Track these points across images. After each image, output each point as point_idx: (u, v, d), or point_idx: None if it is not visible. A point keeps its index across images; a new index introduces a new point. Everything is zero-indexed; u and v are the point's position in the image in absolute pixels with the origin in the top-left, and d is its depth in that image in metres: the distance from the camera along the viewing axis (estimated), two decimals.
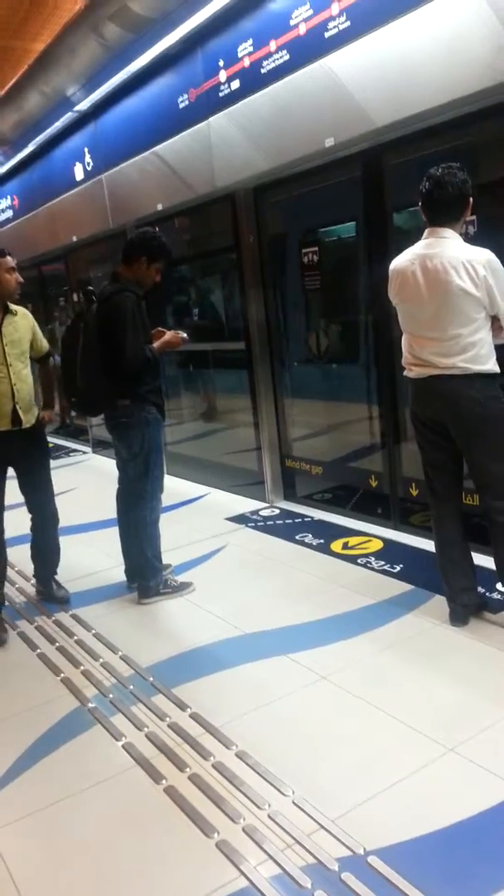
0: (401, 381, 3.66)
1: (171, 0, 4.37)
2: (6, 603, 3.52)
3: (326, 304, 4.69)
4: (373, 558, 3.79)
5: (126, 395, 3.41)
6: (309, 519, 4.59)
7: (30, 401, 3.43)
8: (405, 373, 2.94)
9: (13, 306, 3.40)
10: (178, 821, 2.03)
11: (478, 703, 2.43)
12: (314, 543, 4.11)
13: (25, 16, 10.16)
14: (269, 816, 2.00)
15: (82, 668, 2.96)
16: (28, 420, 3.39)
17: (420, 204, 2.80)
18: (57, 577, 3.75)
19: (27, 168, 7.95)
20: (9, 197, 8.63)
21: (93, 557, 4.16)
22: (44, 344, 3.63)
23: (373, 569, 3.66)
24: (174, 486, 5.27)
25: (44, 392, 3.75)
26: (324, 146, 3.93)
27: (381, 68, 3.53)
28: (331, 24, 3.72)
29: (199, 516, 4.91)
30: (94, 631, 3.29)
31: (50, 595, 3.69)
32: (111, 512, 3.76)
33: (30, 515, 3.63)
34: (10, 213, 8.64)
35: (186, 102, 4.99)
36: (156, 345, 3.46)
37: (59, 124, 6.63)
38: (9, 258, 3.32)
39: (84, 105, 6.11)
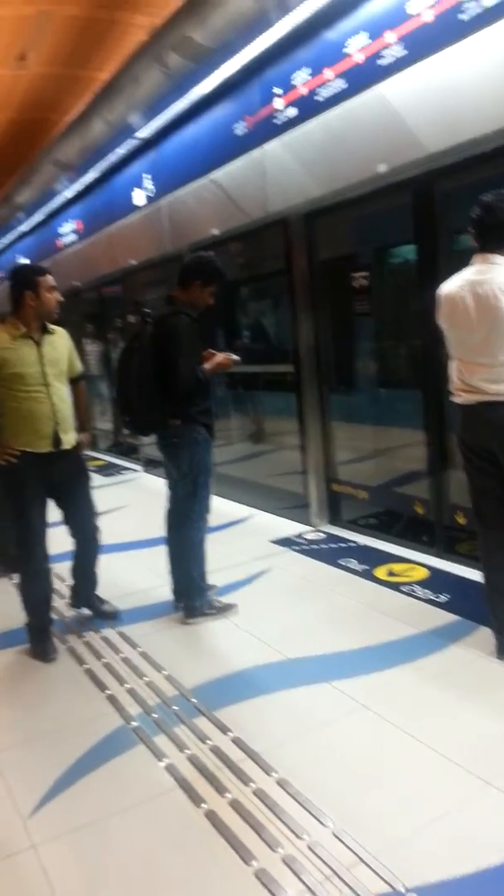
0: (448, 407, 3.63)
1: (231, 30, 4.47)
2: (56, 617, 3.59)
3: (375, 329, 4.68)
4: (417, 586, 3.74)
5: (177, 416, 3.47)
6: (353, 544, 4.56)
7: (70, 421, 3.41)
8: (453, 398, 2.92)
9: (51, 326, 3.39)
10: (217, 846, 2.03)
11: None
12: (358, 569, 4.08)
13: (92, 46, 10.54)
14: (308, 847, 1.99)
15: (127, 685, 2.99)
16: (68, 441, 3.37)
17: (471, 230, 2.79)
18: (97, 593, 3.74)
19: (90, 193, 8.19)
20: (73, 221, 8.89)
21: (140, 575, 4.21)
22: (78, 365, 3.63)
23: (417, 597, 3.61)
24: (220, 507, 5.30)
25: (78, 413, 3.67)
26: (376, 172, 3.96)
27: (434, 95, 3.55)
28: (386, 52, 3.76)
29: (244, 538, 4.93)
30: (139, 649, 3.33)
31: (97, 611, 3.70)
32: (159, 530, 3.81)
33: (72, 539, 3.59)
34: (74, 237, 8.90)
35: (243, 130, 5.09)
36: (207, 366, 3.51)
37: (120, 151, 6.82)
38: (49, 277, 3.32)
39: (145, 132, 6.28)
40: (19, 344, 3.23)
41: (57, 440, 3.30)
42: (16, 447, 3.25)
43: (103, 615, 3.68)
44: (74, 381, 3.60)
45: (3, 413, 3.30)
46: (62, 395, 3.36)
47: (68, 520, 3.53)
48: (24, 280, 3.28)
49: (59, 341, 3.42)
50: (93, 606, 3.73)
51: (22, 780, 2.43)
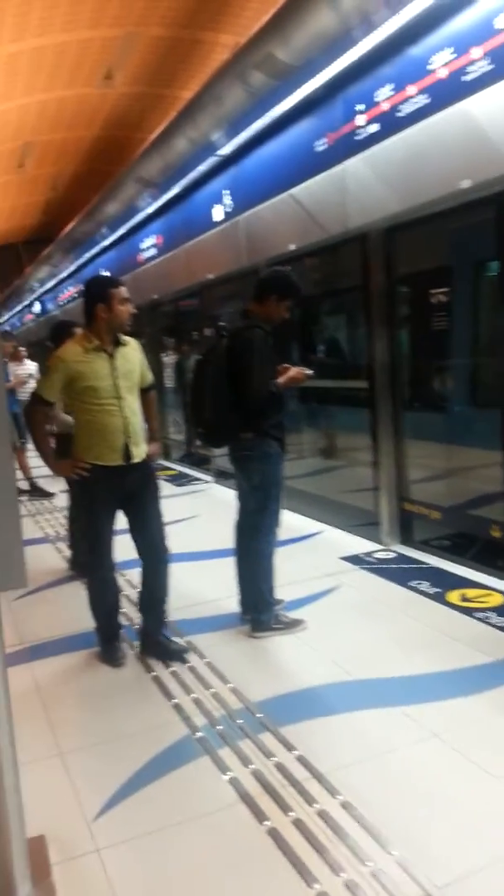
0: None
1: (314, 49, 4.51)
2: (125, 622, 3.64)
3: (453, 347, 4.60)
4: (493, 614, 3.62)
5: (250, 429, 3.49)
6: (425, 565, 4.46)
7: (141, 434, 3.36)
8: None
9: (123, 337, 3.34)
10: (279, 865, 2.01)
11: None
12: (430, 592, 3.99)
13: (176, 65, 10.84)
14: (371, 874, 1.95)
15: (193, 695, 3.01)
16: (139, 454, 3.31)
17: None
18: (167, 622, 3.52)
19: (171, 209, 8.38)
20: (154, 236, 9.11)
21: (208, 585, 4.24)
22: (149, 375, 3.56)
23: (492, 625, 3.50)
24: (290, 521, 5.29)
25: (148, 423, 3.62)
26: (459, 188, 3.90)
27: None
28: (471, 68, 3.71)
29: (314, 553, 4.90)
30: (206, 659, 3.34)
31: (165, 651, 3.39)
32: (228, 542, 3.83)
33: (140, 559, 3.43)
34: (154, 251, 9.12)
35: (324, 146, 5.11)
36: (281, 380, 3.52)
37: (202, 168, 6.96)
38: (122, 289, 3.27)
39: (226, 149, 6.39)
40: (92, 357, 3.22)
41: (128, 453, 3.26)
42: (87, 460, 3.25)
43: (173, 656, 3.37)
44: (145, 391, 3.54)
45: (76, 426, 3.34)
46: (134, 409, 3.33)
47: (135, 534, 3.41)
48: (96, 292, 3.27)
49: (132, 353, 3.38)
50: (161, 649, 3.41)
51: (88, 784, 2.47)
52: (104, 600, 3.45)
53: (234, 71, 5.26)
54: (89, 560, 3.53)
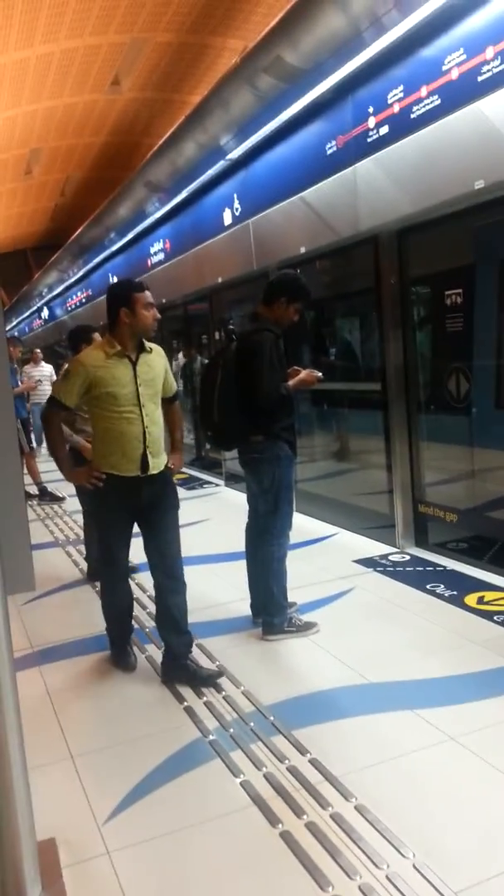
0: None
1: (323, 51, 4.50)
2: (136, 626, 3.62)
3: (468, 348, 4.57)
4: None
5: (260, 432, 3.47)
6: (441, 568, 4.42)
7: (160, 445, 3.20)
8: None
9: (148, 344, 3.22)
10: (292, 868, 1.98)
11: None
12: (446, 594, 3.95)
13: (184, 71, 10.87)
14: (387, 877, 1.91)
15: (205, 699, 2.99)
16: (156, 465, 3.15)
17: None
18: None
19: (179, 213, 8.39)
20: (162, 240, 9.13)
21: (220, 589, 4.22)
22: (173, 384, 3.42)
23: None
24: (303, 524, 5.27)
25: (171, 433, 3.49)
26: (472, 189, 3.87)
27: None
28: (484, 68, 3.69)
29: (327, 556, 4.87)
30: (217, 663, 3.32)
31: (194, 677, 3.12)
32: (240, 545, 3.81)
33: (153, 578, 3.27)
34: (162, 256, 9.14)
35: (334, 148, 5.10)
36: (291, 383, 3.51)
37: (211, 172, 6.96)
38: (146, 293, 3.15)
39: (235, 153, 6.39)
40: (114, 363, 3.09)
41: (145, 464, 3.11)
42: (103, 469, 3.14)
43: (205, 682, 3.11)
44: (169, 401, 3.40)
45: (94, 434, 3.25)
46: (154, 418, 3.17)
47: (149, 549, 3.24)
48: (119, 295, 3.14)
49: (156, 360, 3.24)
50: (189, 674, 3.14)
51: (99, 787, 2.45)
52: (116, 607, 3.41)
53: (243, 74, 5.26)
54: (101, 568, 3.50)
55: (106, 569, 3.42)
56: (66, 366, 3.42)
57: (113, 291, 3.21)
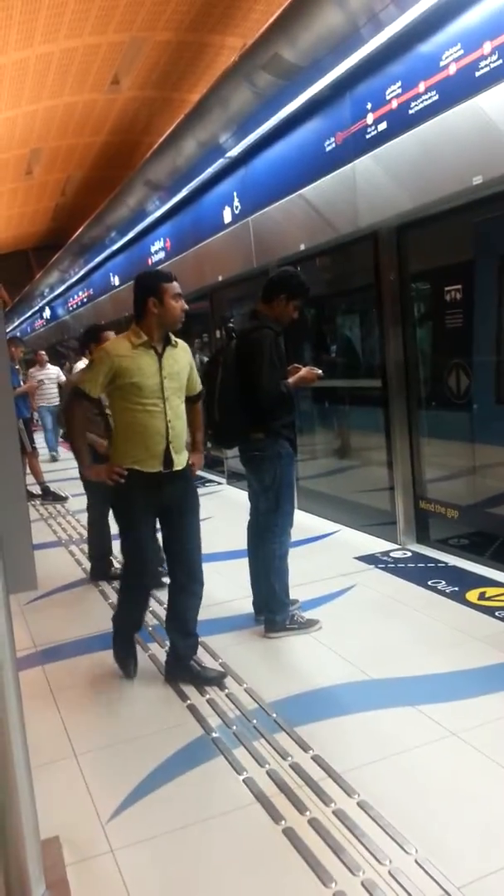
0: None
1: (322, 48, 4.49)
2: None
3: (468, 344, 4.56)
4: None
5: (260, 429, 3.48)
6: (443, 564, 4.42)
7: (183, 440, 3.13)
8: None
9: (174, 338, 3.14)
10: (295, 864, 1.99)
11: None
12: (448, 591, 3.95)
13: (183, 69, 10.86)
14: (389, 873, 1.92)
15: (207, 696, 2.99)
16: (180, 462, 3.09)
17: None
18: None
19: (180, 212, 8.39)
20: (162, 239, 9.13)
21: (222, 587, 4.22)
22: (198, 382, 3.34)
23: None
24: (304, 522, 5.27)
25: (192, 433, 3.39)
26: (471, 184, 3.87)
27: None
28: (482, 64, 3.68)
29: (329, 553, 4.87)
30: (220, 660, 3.32)
31: (198, 677, 3.14)
32: (242, 543, 3.82)
33: (170, 577, 3.26)
34: (162, 255, 9.14)
35: (333, 145, 5.10)
36: (291, 380, 3.51)
37: (210, 170, 6.96)
38: (174, 284, 3.06)
39: (235, 151, 6.38)
40: (139, 353, 3.01)
41: (168, 460, 3.04)
42: (124, 464, 3.05)
43: (209, 682, 3.11)
44: (192, 400, 3.31)
45: (115, 429, 3.17)
46: (178, 413, 3.10)
47: (169, 551, 3.22)
48: (148, 286, 3.05)
49: (182, 355, 3.16)
50: (194, 675, 3.16)
51: (102, 785, 2.46)
52: (133, 612, 3.30)
53: (241, 72, 5.25)
54: (128, 577, 3.31)
55: (132, 577, 3.26)
56: (90, 357, 3.35)
57: (141, 281, 3.11)
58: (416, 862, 1.95)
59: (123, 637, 3.34)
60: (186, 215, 8.22)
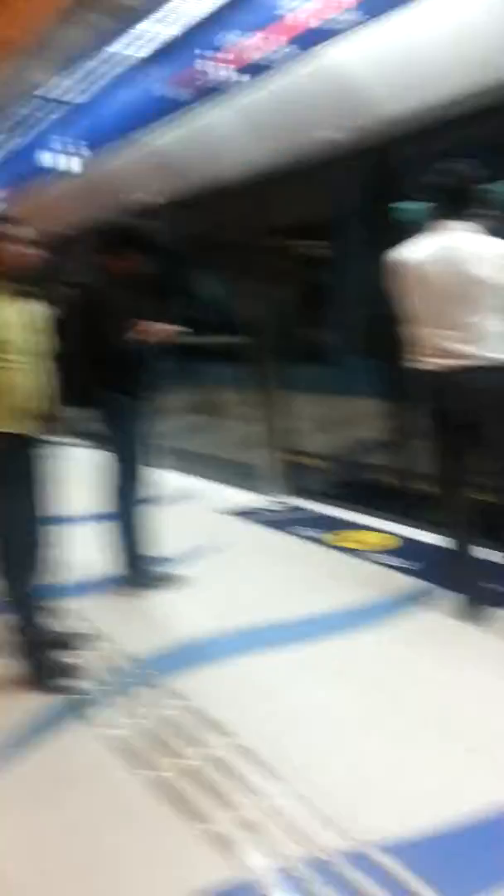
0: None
1: None
2: None
3: (331, 300, 4.63)
4: (382, 554, 3.74)
5: (108, 385, 3.38)
6: (312, 513, 4.54)
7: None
8: (422, 366, 2.91)
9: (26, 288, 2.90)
10: (171, 811, 1.99)
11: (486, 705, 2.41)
12: (318, 537, 4.06)
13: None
14: (269, 807, 1.97)
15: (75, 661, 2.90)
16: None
17: (429, 196, 2.85)
18: None
19: (15, 161, 7.85)
20: None
21: (82, 549, 4.06)
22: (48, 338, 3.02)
23: (384, 564, 3.61)
24: (171, 479, 5.21)
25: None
26: (330, 139, 3.87)
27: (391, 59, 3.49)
28: (335, 16, 3.67)
29: (196, 509, 4.85)
30: (86, 623, 3.22)
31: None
32: (100, 504, 3.70)
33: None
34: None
35: (182, 94, 4.91)
36: (141, 336, 3.42)
37: (42, 116, 6.55)
38: (10, 226, 2.79)
39: (73, 96, 6.04)
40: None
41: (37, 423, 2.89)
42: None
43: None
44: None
45: None
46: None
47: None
48: None
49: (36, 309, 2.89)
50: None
51: None
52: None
53: (75, 12, 4.95)
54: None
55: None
56: None
57: None
58: (293, 795, 2.01)
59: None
60: (23, 165, 7.71)
